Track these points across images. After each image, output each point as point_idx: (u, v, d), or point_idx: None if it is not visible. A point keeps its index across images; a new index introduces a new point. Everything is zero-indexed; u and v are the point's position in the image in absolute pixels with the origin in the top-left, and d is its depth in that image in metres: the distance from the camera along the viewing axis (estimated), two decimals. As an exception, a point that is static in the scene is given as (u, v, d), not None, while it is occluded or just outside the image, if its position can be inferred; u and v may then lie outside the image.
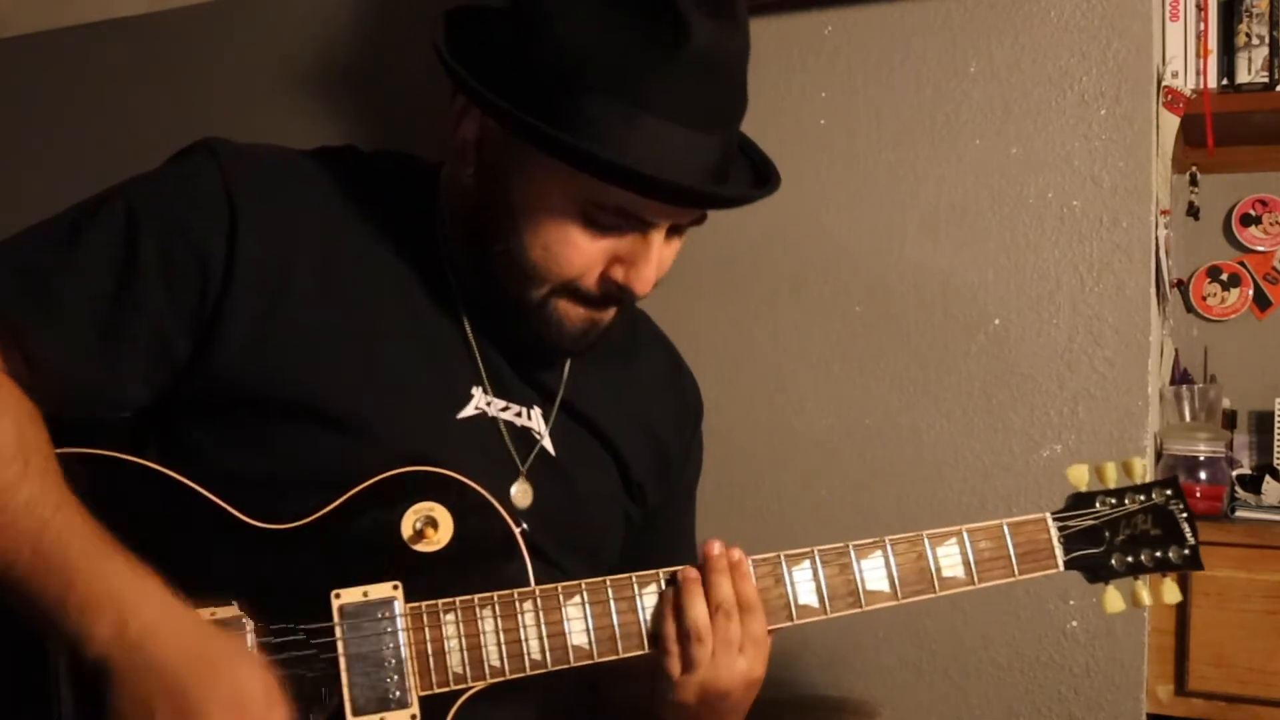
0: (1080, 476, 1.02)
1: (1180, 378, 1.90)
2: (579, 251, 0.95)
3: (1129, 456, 1.61)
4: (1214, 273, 2.04)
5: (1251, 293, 2.02)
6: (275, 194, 0.98)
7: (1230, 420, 1.94)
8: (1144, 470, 1.05)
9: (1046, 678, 1.65)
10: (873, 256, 1.79)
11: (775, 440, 1.84)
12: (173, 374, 0.97)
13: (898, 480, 1.76)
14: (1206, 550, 1.57)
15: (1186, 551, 1.03)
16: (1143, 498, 1.03)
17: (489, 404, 1.05)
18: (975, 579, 0.99)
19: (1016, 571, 0.99)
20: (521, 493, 1.04)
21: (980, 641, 1.69)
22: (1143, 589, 1.02)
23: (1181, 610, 1.59)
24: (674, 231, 1.00)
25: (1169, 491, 1.04)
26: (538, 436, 1.07)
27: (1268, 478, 1.73)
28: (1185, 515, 1.04)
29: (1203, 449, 1.66)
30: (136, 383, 0.96)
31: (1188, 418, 1.78)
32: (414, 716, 0.89)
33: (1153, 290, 1.64)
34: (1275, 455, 1.86)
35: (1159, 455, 1.69)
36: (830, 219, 1.82)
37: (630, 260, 0.96)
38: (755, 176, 1.08)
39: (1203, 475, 1.66)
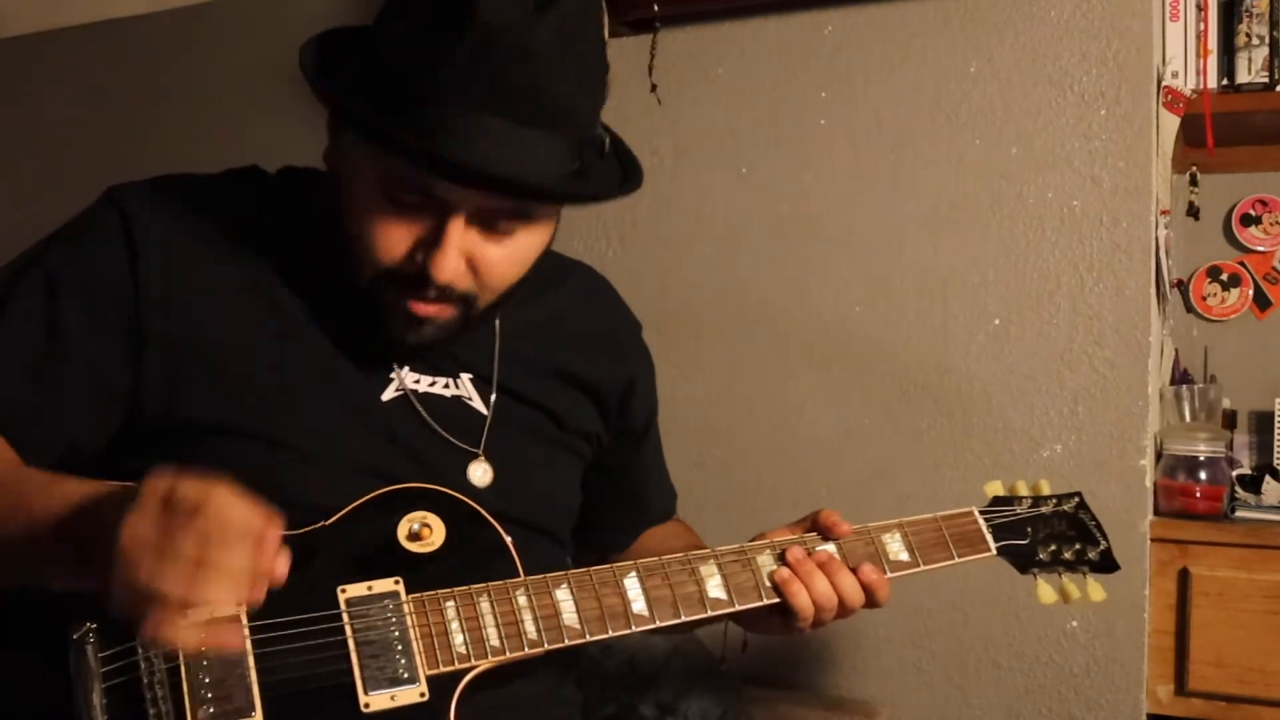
0: (995, 488, 1.16)
1: (1180, 378, 1.90)
2: (383, 231, 0.98)
3: (1129, 457, 1.62)
4: (1214, 273, 2.04)
5: (1251, 293, 2.02)
6: (171, 220, 1.03)
7: (1230, 420, 1.94)
8: (1050, 489, 1.17)
9: (1046, 678, 1.65)
10: (872, 256, 1.79)
11: (775, 440, 1.84)
12: (120, 411, 1.01)
13: (898, 480, 1.76)
14: (1206, 550, 1.59)
15: (1102, 550, 1.14)
16: (1053, 503, 1.16)
17: (417, 381, 1.09)
18: (920, 562, 1.10)
19: (955, 555, 1.11)
20: (481, 472, 1.09)
21: (980, 641, 1.69)
22: (1070, 584, 1.12)
23: (1181, 610, 1.59)
24: (489, 226, 0.99)
25: (1075, 500, 1.17)
26: (479, 410, 1.11)
27: (1268, 478, 1.73)
28: (1094, 523, 1.16)
29: (1203, 449, 1.66)
30: (87, 426, 1.00)
31: (1188, 418, 1.78)
32: (423, 694, 0.93)
33: (1153, 290, 1.64)
34: (1275, 455, 1.86)
35: (1159, 455, 1.69)
36: (830, 219, 1.82)
37: (430, 243, 0.98)
38: (622, 178, 1.09)
39: (1203, 475, 1.66)
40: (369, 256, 0.99)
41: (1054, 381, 1.67)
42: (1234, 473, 1.75)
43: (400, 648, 0.93)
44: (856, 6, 1.81)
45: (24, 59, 2.59)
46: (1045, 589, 1.12)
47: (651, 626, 1.01)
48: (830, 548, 1.08)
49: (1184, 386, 1.82)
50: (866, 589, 1.05)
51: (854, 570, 1.06)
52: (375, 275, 1.00)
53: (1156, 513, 1.66)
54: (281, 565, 0.79)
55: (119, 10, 2.48)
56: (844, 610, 1.06)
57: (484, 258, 1.00)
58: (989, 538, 1.12)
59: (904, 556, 1.10)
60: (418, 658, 0.93)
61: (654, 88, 1.91)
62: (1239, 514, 1.64)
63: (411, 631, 0.94)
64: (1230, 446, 1.80)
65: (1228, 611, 1.57)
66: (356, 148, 0.98)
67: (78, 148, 2.52)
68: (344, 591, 0.93)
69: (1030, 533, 1.13)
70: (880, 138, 1.79)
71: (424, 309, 1.01)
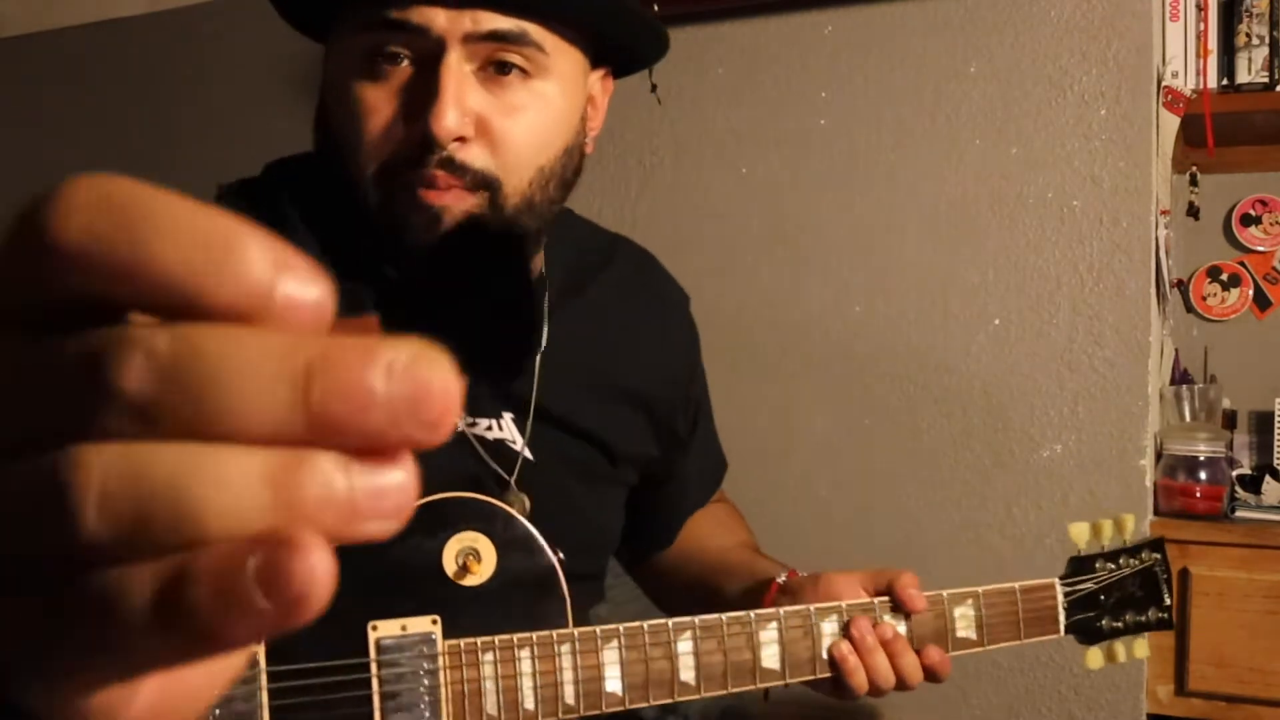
0: (1081, 534, 1.06)
1: (1180, 378, 1.90)
2: (374, 109, 0.85)
3: (1129, 457, 1.62)
4: (1214, 273, 2.04)
5: (1251, 293, 2.02)
6: None
7: (1230, 420, 1.94)
8: (1134, 526, 1.09)
9: (1046, 678, 1.65)
10: (872, 257, 1.79)
11: (775, 440, 1.84)
12: None
13: (897, 480, 1.76)
14: (1206, 550, 1.59)
15: (1163, 614, 1.08)
16: (1134, 561, 1.08)
17: (455, 423, 0.99)
18: (985, 642, 1.02)
19: (1021, 636, 1.03)
20: (516, 504, 0.99)
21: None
22: (1119, 646, 1.07)
23: (1181, 610, 1.59)
24: (491, 74, 0.85)
25: (1157, 555, 1.09)
26: (516, 449, 1.01)
27: (1268, 478, 1.73)
28: (1166, 577, 1.09)
29: (1203, 449, 1.66)
30: None
31: (1188, 418, 1.78)
32: None
33: (1153, 290, 1.64)
34: (1275, 455, 1.86)
35: (1159, 455, 1.69)
36: (830, 219, 1.82)
37: (427, 101, 0.83)
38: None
39: (1203, 475, 1.66)
40: (367, 149, 0.85)
41: (1054, 381, 1.67)
42: (1234, 473, 1.75)
43: (428, 700, 0.86)
44: (856, 6, 1.80)
45: (24, 59, 2.59)
46: (1095, 655, 1.06)
47: (695, 697, 0.95)
48: (899, 624, 1.00)
49: (1184, 386, 1.82)
50: (928, 670, 0.99)
51: (918, 650, 0.99)
52: (379, 171, 0.86)
53: (1156, 513, 1.66)
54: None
55: (119, 10, 2.48)
56: (902, 688, 0.99)
57: (495, 122, 0.85)
58: (1061, 619, 1.03)
59: (970, 635, 1.01)
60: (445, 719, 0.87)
61: (654, 88, 1.91)
62: (1239, 514, 1.64)
63: (443, 690, 0.87)
64: (1230, 446, 1.79)
65: (1228, 611, 1.57)
66: (339, 40, 0.88)
67: (78, 148, 2.51)
68: (375, 629, 0.85)
69: (1102, 601, 1.06)
70: (880, 138, 1.79)
71: (438, 196, 0.85)
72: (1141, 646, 1.07)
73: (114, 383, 0.22)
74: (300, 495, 0.22)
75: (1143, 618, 1.07)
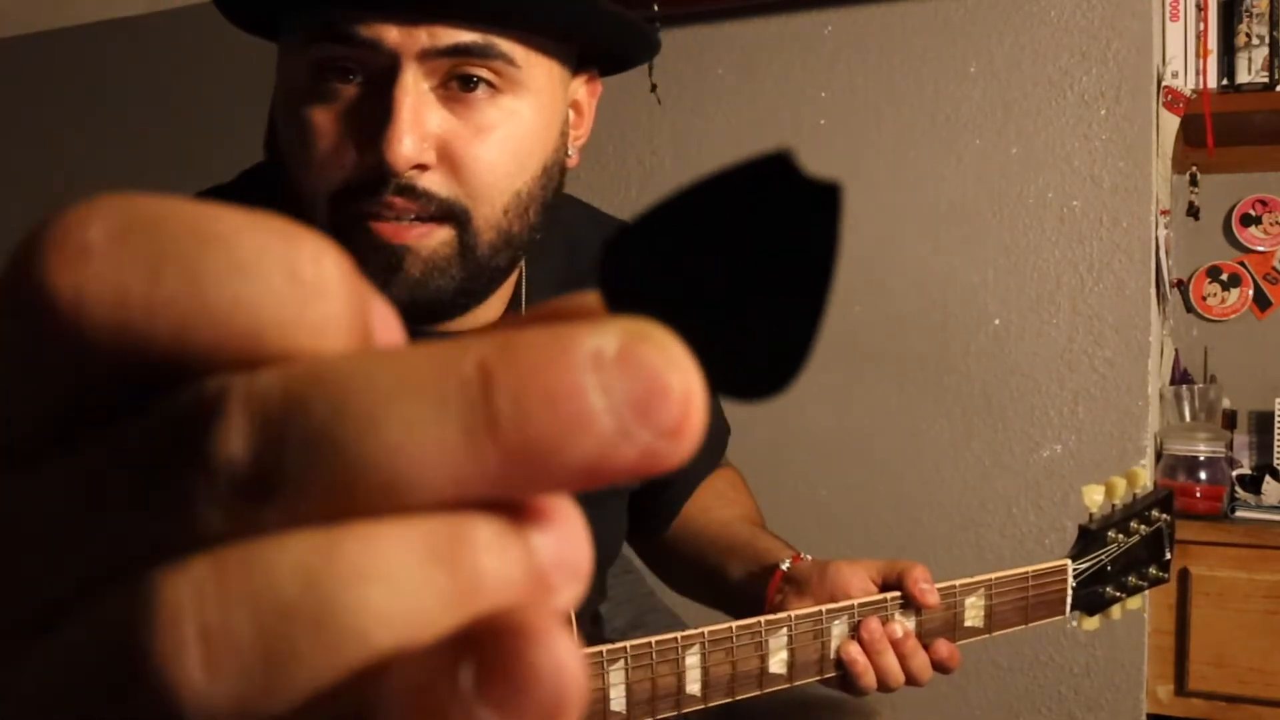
0: (1094, 499, 1.02)
1: (1180, 378, 1.90)
2: (316, 130, 0.76)
3: (1129, 457, 1.62)
4: (1214, 273, 2.04)
5: (1251, 293, 2.02)
6: None
7: (1230, 420, 1.94)
8: (1146, 480, 1.05)
9: (1046, 678, 1.65)
10: (873, 256, 1.79)
11: (775, 440, 1.84)
12: None
13: (898, 480, 1.76)
14: (1206, 550, 1.59)
15: (1161, 571, 1.06)
16: (1144, 527, 1.04)
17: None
18: (990, 629, 1.01)
19: (1027, 621, 1.02)
20: None
21: (980, 641, 1.69)
22: (1116, 608, 1.05)
23: (1181, 610, 1.59)
24: (454, 90, 0.76)
25: (1165, 516, 1.06)
26: None
27: (1268, 478, 1.73)
28: (1170, 531, 1.06)
29: (1203, 449, 1.66)
30: None
31: (1188, 418, 1.78)
32: None
33: (1153, 290, 1.64)
34: (1275, 455, 1.86)
35: (1159, 455, 1.69)
36: (830, 219, 1.82)
37: (378, 124, 0.74)
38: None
39: (1203, 475, 1.66)
40: (316, 177, 0.77)
41: (1054, 381, 1.67)
42: (1234, 473, 1.75)
43: None
44: (856, 6, 1.81)
45: (24, 59, 2.59)
46: (1092, 620, 1.05)
47: (699, 708, 0.93)
48: (909, 622, 0.98)
49: (1184, 386, 1.82)
50: (938, 666, 0.98)
51: (927, 645, 0.97)
52: (330, 201, 0.77)
53: (1156, 513, 1.66)
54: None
55: (119, 10, 2.48)
56: (912, 684, 0.98)
57: (459, 146, 0.76)
58: (1068, 601, 1.03)
59: (977, 624, 1.01)
60: None
61: (654, 88, 1.91)
62: (1239, 514, 1.64)
63: None
64: (1230, 446, 1.80)
65: (1228, 611, 1.57)
66: (286, 50, 0.81)
67: (78, 148, 2.52)
68: None
69: (1109, 572, 1.04)
70: (880, 138, 1.79)
71: (397, 232, 0.76)
72: (1135, 599, 1.05)
73: (210, 454, 0.15)
74: (480, 572, 0.15)
75: (1144, 581, 1.05)
